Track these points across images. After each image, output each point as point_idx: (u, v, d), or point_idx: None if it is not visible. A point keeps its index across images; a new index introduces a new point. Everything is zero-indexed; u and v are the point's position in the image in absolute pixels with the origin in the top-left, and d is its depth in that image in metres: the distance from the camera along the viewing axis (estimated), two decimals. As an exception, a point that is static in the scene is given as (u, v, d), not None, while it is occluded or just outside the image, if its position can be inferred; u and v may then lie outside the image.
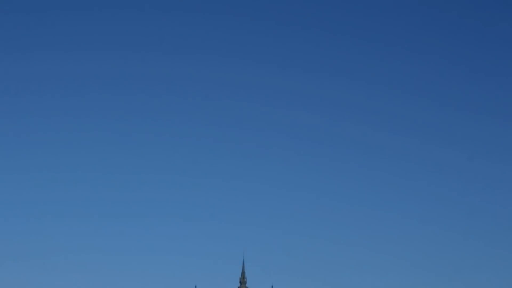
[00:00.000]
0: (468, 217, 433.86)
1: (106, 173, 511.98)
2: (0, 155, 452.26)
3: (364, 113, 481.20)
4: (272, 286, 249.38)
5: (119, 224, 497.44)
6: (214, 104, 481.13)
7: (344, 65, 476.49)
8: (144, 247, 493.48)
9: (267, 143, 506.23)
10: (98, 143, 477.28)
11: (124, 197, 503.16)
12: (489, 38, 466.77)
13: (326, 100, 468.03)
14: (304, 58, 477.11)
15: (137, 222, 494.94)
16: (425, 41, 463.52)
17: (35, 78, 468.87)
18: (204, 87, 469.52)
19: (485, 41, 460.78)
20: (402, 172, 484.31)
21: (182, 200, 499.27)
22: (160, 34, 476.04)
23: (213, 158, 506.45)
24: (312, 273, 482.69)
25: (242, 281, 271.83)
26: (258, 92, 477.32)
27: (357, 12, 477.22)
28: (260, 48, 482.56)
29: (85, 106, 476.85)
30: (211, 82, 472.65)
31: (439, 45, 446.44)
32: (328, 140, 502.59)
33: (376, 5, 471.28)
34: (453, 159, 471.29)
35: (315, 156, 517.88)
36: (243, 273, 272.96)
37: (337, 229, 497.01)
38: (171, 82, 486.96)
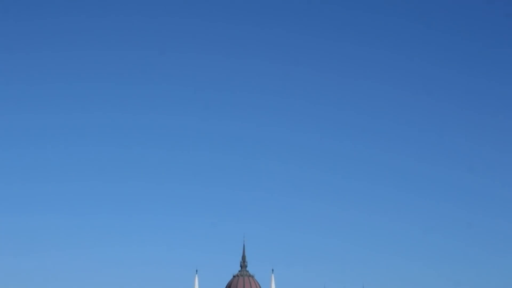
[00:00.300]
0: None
1: (106, 150, 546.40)
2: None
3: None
4: (272, 270, 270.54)
5: (119, 209, 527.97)
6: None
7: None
8: (144, 232, 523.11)
9: (269, 136, 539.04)
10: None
11: (123, 178, 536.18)
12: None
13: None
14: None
15: (137, 206, 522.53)
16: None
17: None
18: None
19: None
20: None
21: (183, 186, 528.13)
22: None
23: (214, 148, 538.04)
24: (311, 257, 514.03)
25: (243, 265, 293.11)
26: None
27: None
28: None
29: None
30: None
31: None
32: (325, 125, 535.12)
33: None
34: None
35: (315, 140, 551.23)
36: (243, 257, 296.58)
37: (337, 213, 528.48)
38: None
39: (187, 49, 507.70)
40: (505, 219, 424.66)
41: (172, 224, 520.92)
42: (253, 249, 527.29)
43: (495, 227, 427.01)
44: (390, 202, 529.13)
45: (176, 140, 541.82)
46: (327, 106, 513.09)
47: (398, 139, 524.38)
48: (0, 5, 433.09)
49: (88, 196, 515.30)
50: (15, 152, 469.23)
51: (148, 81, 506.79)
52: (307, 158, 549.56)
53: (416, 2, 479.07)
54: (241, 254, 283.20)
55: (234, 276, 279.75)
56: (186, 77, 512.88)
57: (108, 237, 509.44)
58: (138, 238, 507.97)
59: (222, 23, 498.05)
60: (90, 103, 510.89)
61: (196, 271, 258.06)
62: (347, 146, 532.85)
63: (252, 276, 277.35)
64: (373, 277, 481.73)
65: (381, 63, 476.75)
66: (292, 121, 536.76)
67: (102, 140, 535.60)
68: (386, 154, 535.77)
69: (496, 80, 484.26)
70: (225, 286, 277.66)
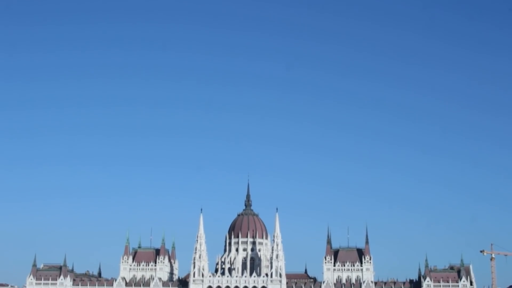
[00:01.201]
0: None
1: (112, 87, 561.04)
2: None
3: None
4: (277, 209, 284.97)
5: (125, 143, 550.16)
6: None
7: None
8: (150, 170, 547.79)
9: (274, 74, 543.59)
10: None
11: (129, 114, 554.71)
12: None
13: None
14: None
15: (143, 142, 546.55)
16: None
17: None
18: None
19: None
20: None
21: (188, 124, 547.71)
22: None
23: (218, 82, 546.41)
24: (315, 196, 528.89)
25: (247, 204, 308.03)
26: None
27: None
28: None
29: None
30: None
31: None
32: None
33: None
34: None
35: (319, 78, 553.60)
36: (248, 196, 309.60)
37: (340, 150, 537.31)
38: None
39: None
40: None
41: (178, 164, 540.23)
42: (258, 188, 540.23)
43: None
44: (395, 138, 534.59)
45: (185, 74, 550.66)
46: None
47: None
48: None
49: (102, 137, 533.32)
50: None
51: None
52: (313, 96, 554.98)
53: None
54: (246, 194, 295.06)
55: (238, 215, 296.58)
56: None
57: (112, 176, 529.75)
58: (144, 178, 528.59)
59: None
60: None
61: (201, 210, 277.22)
62: (352, 86, 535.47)
63: (257, 215, 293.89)
64: (377, 217, 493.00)
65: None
66: (294, 57, 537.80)
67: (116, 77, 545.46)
68: (388, 91, 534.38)
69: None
70: (229, 224, 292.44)
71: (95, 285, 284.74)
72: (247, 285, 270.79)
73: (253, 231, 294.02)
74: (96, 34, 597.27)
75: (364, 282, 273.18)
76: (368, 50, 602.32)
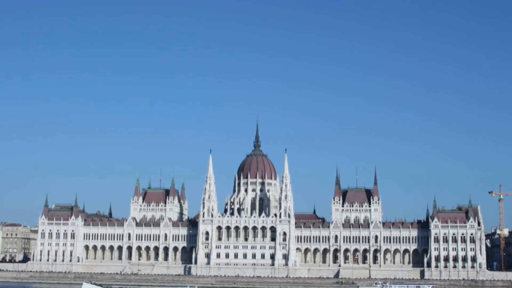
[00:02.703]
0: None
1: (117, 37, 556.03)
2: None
3: None
4: (285, 150, 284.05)
5: (133, 82, 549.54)
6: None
7: None
8: (159, 111, 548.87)
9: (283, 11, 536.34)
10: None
11: (139, 52, 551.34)
12: None
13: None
14: None
15: (152, 81, 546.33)
16: None
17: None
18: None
19: None
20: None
21: (199, 64, 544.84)
22: None
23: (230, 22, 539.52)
24: (324, 138, 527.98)
25: (256, 145, 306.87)
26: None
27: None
28: None
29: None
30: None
31: None
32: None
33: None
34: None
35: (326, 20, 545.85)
36: (257, 137, 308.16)
37: (349, 90, 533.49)
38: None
39: None
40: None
41: (188, 105, 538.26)
42: (267, 129, 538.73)
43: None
44: (406, 77, 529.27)
45: (197, 14, 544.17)
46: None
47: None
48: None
49: (111, 66, 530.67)
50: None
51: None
52: (322, 34, 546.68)
53: None
54: (255, 134, 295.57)
55: (247, 156, 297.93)
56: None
57: (121, 116, 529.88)
58: (153, 120, 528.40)
59: None
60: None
61: (210, 150, 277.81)
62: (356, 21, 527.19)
63: (265, 156, 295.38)
64: (386, 158, 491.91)
65: None
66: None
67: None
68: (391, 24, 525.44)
69: None
70: (238, 165, 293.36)
71: (106, 225, 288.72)
72: (256, 225, 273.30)
73: (262, 171, 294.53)
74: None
75: (372, 222, 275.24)
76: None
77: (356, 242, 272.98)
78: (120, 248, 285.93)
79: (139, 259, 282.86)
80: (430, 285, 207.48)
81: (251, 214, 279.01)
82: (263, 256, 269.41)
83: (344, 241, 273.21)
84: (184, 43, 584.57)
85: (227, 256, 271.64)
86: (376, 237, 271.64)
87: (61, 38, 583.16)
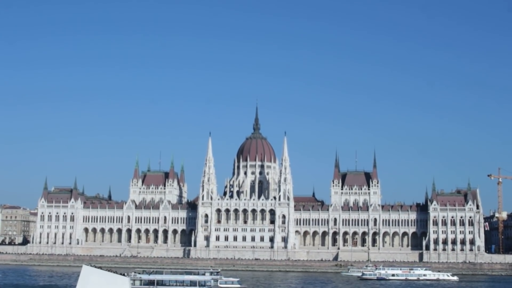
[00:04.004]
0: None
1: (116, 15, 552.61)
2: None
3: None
4: (285, 132, 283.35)
5: (133, 69, 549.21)
6: None
7: None
8: (159, 93, 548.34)
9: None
10: None
11: (137, 41, 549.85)
12: None
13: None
14: None
15: (153, 67, 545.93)
16: None
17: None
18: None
19: None
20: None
21: (198, 48, 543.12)
22: None
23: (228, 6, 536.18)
24: (323, 120, 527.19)
25: (256, 128, 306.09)
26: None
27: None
28: None
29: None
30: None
31: None
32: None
33: None
34: None
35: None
36: (256, 120, 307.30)
37: (346, 77, 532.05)
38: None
39: None
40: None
41: (187, 87, 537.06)
42: (266, 112, 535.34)
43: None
44: (405, 58, 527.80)
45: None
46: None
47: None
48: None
49: (110, 55, 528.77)
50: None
51: None
52: (322, 15, 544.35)
53: None
54: (254, 117, 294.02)
55: (247, 139, 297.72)
56: None
57: (121, 99, 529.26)
58: (154, 101, 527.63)
59: None
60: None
61: (210, 133, 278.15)
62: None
63: (265, 139, 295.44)
64: (385, 141, 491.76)
65: None
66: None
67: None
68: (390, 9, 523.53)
69: None
70: (238, 148, 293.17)
71: (105, 208, 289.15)
72: (255, 208, 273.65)
73: (261, 154, 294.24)
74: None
75: (371, 205, 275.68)
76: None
77: (355, 225, 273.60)
78: (119, 231, 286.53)
79: (138, 242, 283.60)
80: (423, 267, 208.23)
81: (251, 197, 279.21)
82: (262, 239, 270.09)
83: (343, 224, 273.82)
84: (184, 29, 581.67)
85: (226, 238, 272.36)
86: (375, 220, 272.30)
87: (64, 28, 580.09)
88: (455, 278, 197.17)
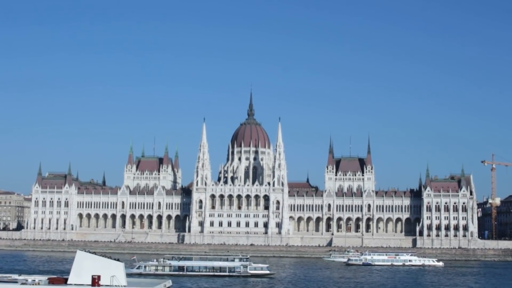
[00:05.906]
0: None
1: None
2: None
3: None
4: (279, 118, 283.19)
5: (127, 56, 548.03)
6: None
7: None
8: (153, 78, 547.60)
9: None
10: None
11: (131, 27, 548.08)
12: None
13: None
14: None
15: (147, 53, 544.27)
16: None
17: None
18: None
19: None
20: None
21: (192, 34, 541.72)
22: None
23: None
24: (318, 106, 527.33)
25: (250, 113, 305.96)
26: None
27: None
28: None
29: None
30: None
31: None
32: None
33: None
34: None
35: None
36: (250, 106, 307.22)
37: (341, 63, 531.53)
38: None
39: None
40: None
41: (181, 73, 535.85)
42: (260, 98, 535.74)
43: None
44: (400, 44, 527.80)
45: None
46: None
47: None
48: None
49: (104, 41, 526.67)
50: None
51: None
52: (315, 0, 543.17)
53: None
54: (248, 103, 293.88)
55: (241, 124, 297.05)
56: None
57: (115, 85, 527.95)
58: (147, 87, 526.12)
59: None
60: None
61: (204, 119, 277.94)
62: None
63: (259, 124, 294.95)
64: (379, 127, 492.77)
65: None
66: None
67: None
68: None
69: None
70: (232, 133, 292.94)
71: (100, 193, 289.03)
72: (249, 193, 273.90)
73: (255, 140, 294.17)
74: None
75: (365, 191, 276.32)
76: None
77: (349, 210, 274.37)
78: (113, 217, 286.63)
79: (132, 227, 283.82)
80: (409, 253, 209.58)
81: (245, 183, 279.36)
82: (256, 225, 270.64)
83: (337, 210, 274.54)
84: (178, 15, 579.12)
85: (220, 224, 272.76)
86: (369, 205, 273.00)
87: (59, 14, 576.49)
88: (441, 263, 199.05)
